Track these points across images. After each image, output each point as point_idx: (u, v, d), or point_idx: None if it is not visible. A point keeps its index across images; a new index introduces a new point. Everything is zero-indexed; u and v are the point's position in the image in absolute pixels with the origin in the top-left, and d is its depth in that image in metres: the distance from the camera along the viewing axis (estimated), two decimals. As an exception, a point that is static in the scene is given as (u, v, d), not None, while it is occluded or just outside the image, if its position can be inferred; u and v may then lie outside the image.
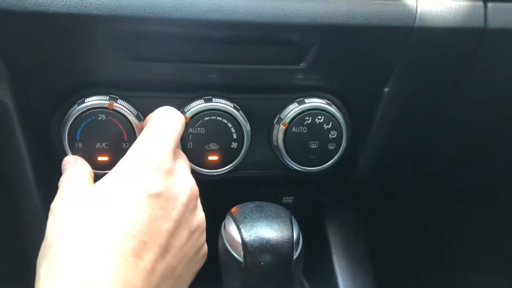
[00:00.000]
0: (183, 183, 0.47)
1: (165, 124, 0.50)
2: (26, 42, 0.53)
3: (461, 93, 0.67)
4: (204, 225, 0.50)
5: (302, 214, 0.73)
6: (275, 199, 0.61)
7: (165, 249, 0.43)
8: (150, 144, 0.47)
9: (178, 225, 0.45)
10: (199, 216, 0.49)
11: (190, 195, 0.47)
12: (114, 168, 0.46)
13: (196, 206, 0.49)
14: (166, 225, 0.43)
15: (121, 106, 0.57)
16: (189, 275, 0.48)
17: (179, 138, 0.51)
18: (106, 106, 0.56)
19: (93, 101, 0.56)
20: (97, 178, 0.51)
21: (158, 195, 0.43)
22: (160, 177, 0.45)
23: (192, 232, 0.47)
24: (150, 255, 0.41)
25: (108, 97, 0.57)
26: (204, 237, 0.50)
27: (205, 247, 0.51)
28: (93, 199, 0.44)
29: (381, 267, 0.77)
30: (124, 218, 0.41)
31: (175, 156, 0.49)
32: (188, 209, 0.47)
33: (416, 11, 0.60)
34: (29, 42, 0.53)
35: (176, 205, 0.45)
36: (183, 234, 0.46)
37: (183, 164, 0.50)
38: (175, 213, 0.44)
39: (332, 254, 0.74)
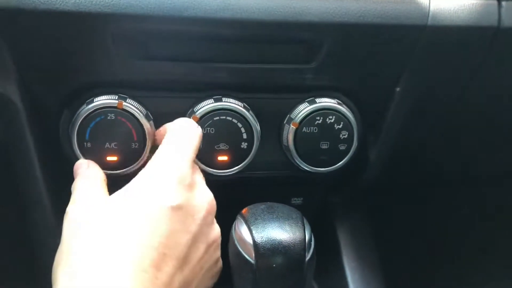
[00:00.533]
0: (202, 197, 0.47)
1: (184, 137, 0.50)
2: (35, 41, 0.53)
3: (473, 92, 0.66)
4: (220, 239, 0.50)
5: (311, 215, 0.72)
6: (284, 200, 0.60)
7: (183, 262, 0.43)
8: (171, 157, 0.47)
9: (196, 238, 0.45)
10: (216, 229, 0.49)
11: (208, 209, 0.47)
12: (134, 179, 0.46)
13: (213, 219, 0.49)
14: (185, 238, 0.43)
15: (130, 105, 0.56)
16: None
17: (197, 150, 0.51)
18: (115, 105, 0.55)
19: (102, 100, 0.56)
20: (107, 178, 0.51)
21: (179, 208, 0.43)
22: (181, 190, 0.44)
23: (209, 246, 0.47)
24: (168, 268, 0.41)
25: (117, 96, 0.57)
26: (219, 251, 0.50)
27: (220, 262, 0.51)
28: (113, 208, 0.43)
29: (390, 269, 0.76)
30: (145, 229, 0.41)
31: (192, 168, 0.49)
32: (206, 223, 0.46)
33: (429, 9, 0.59)
34: (38, 41, 0.53)
35: (195, 218, 0.45)
36: (201, 247, 0.46)
37: (200, 177, 0.50)
38: (194, 227, 0.44)
39: (342, 255, 0.73)
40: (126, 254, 0.39)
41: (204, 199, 0.47)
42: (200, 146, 0.58)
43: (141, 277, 0.38)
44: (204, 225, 0.46)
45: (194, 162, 0.51)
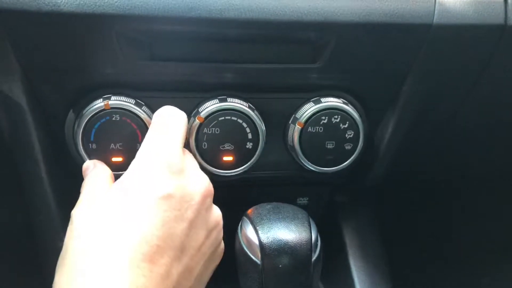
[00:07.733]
0: (196, 182, 0.46)
1: (169, 124, 0.49)
2: (40, 43, 0.53)
3: (480, 90, 0.66)
4: (222, 221, 0.49)
5: (317, 215, 0.72)
6: (290, 200, 0.60)
7: (181, 251, 0.42)
8: (157, 144, 0.46)
9: (194, 225, 0.44)
10: (216, 213, 0.48)
11: (204, 194, 0.46)
12: (125, 173, 0.45)
13: (211, 203, 0.48)
14: (181, 227, 0.42)
15: (135, 106, 0.56)
16: (207, 274, 0.48)
17: (185, 136, 0.50)
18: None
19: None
20: (115, 179, 0.51)
21: (170, 196, 0.42)
22: (170, 178, 0.43)
23: (210, 231, 0.46)
24: (164, 260, 0.40)
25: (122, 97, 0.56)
26: (221, 234, 0.49)
27: (222, 244, 0.50)
28: (107, 207, 0.43)
29: (397, 268, 0.76)
30: (135, 225, 0.40)
31: (183, 155, 0.48)
32: (204, 208, 0.45)
33: (435, 7, 0.58)
34: (43, 43, 0.53)
35: (190, 204, 0.44)
36: (200, 234, 0.45)
37: (192, 162, 0.49)
38: (189, 213, 0.43)
39: (349, 255, 0.73)
40: (117, 253, 0.39)
41: (198, 184, 0.46)
42: (204, 146, 0.59)
43: (133, 273, 0.38)
44: (201, 210, 0.45)
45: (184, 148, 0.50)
